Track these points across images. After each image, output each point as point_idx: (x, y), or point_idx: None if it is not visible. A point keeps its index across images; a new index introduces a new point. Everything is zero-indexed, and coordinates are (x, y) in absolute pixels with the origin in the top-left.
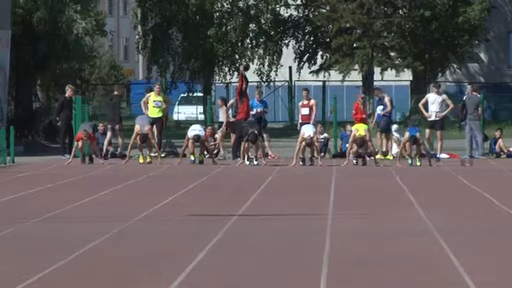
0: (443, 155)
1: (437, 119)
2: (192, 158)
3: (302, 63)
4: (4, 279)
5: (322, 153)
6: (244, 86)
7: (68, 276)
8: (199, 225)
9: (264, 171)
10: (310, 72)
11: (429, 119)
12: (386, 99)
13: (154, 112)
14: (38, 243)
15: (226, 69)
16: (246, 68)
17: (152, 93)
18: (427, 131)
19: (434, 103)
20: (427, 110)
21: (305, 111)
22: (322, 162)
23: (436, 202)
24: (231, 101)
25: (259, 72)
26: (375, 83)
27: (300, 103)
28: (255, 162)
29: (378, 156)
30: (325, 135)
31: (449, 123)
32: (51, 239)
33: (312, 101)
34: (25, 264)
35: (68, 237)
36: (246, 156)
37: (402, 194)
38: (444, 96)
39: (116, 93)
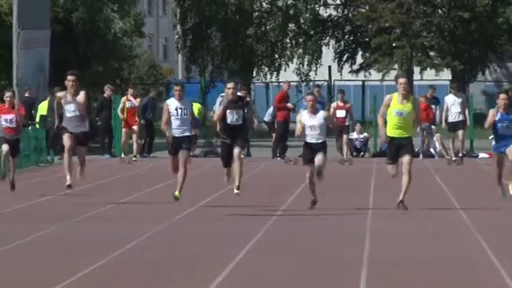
0: (483, 155)
1: (459, 119)
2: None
3: (342, 62)
4: (44, 278)
5: (362, 153)
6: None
7: (106, 276)
8: (238, 225)
9: (303, 171)
10: (350, 72)
11: (450, 121)
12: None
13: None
14: (77, 243)
15: (266, 68)
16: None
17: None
18: (450, 133)
19: (454, 104)
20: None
21: (341, 113)
22: (362, 161)
23: (477, 202)
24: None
25: (298, 72)
26: (414, 83)
27: (335, 104)
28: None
29: None
30: (365, 134)
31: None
32: (90, 238)
33: (348, 104)
34: (64, 264)
35: (106, 238)
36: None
37: (442, 193)
38: (464, 96)
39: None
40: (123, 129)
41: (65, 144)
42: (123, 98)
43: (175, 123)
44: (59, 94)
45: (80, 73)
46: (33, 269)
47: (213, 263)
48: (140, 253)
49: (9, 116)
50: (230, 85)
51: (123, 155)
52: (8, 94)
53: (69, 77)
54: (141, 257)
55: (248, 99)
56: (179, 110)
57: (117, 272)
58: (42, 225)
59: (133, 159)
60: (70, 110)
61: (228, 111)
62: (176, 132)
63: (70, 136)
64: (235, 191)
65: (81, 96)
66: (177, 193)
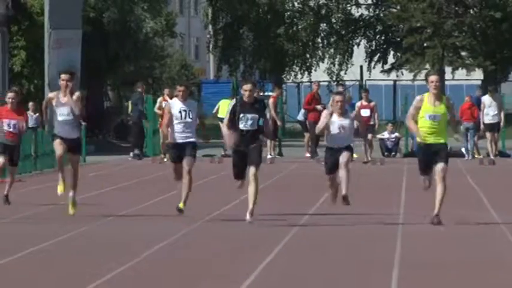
0: None
1: (495, 121)
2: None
3: (373, 62)
4: (74, 279)
5: (393, 153)
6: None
7: (136, 277)
8: (269, 226)
9: None
10: (382, 71)
11: (487, 122)
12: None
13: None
14: (107, 244)
15: (297, 68)
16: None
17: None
18: (488, 134)
19: (491, 106)
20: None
21: (365, 112)
22: (394, 161)
23: (509, 203)
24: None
25: (329, 72)
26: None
27: (359, 103)
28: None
29: None
30: (396, 134)
31: None
32: (120, 239)
33: (372, 103)
34: (94, 265)
35: (137, 238)
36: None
37: (474, 194)
38: (500, 98)
39: None
40: (160, 129)
41: (56, 151)
42: (160, 98)
43: (177, 127)
44: (50, 95)
45: (72, 72)
46: (63, 269)
47: (242, 265)
48: (170, 254)
49: (13, 121)
50: (247, 87)
51: (162, 155)
52: (10, 95)
53: (63, 76)
54: (170, 258)
55: (266, 100)
56: (183, 113)
57: (146, 272)
58: (72, 225)
59: (165, 159)
60: (63, 114)
61: (240, 115)
62: (179, 138)
63: (60, 142)
64: (248, 217)
65: (76, 97)
66: (181, 205)
